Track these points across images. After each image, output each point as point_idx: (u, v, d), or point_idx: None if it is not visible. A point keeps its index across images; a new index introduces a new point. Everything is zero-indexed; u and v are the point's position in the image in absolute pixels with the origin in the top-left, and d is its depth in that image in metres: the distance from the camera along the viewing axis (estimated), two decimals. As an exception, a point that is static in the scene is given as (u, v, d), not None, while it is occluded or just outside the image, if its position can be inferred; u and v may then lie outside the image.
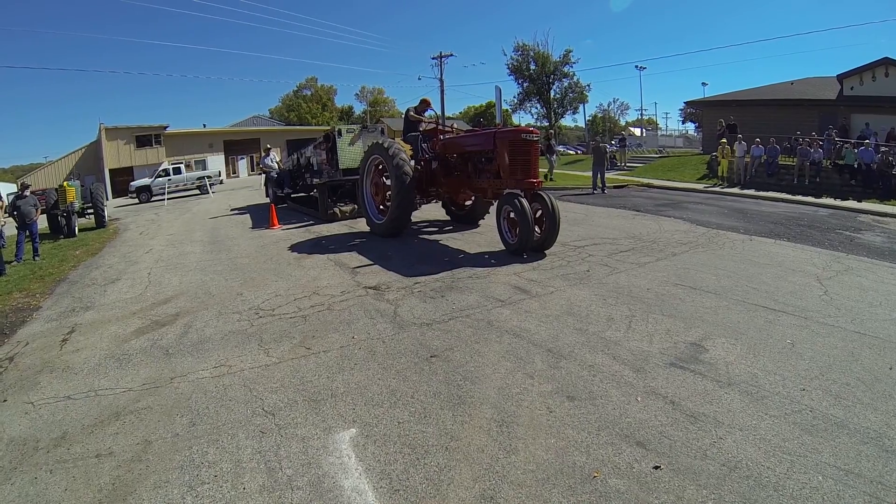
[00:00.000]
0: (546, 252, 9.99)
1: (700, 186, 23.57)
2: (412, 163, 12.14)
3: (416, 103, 13.71)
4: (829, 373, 4.83)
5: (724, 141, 25.98)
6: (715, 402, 4.31)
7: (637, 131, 78.73)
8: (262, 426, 4.27)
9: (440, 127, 13.31)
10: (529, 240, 9.68)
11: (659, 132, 76.37)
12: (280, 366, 5.47)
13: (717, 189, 22.64)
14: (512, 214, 9.88)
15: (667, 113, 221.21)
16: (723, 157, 25.17)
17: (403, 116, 13.90)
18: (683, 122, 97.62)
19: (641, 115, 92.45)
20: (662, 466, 3.50)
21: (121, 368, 5.73)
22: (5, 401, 5.15)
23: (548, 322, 6.29)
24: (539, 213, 10.06)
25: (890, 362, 5.04)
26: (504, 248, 10.26)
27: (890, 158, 20.70)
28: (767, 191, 21.25)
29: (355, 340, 6.04)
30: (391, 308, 7.13)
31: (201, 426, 4.35)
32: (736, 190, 21.89)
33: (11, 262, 13.27)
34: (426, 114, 13.49)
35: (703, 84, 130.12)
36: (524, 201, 9.61)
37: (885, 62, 27.54)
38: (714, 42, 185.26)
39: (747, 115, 30.98)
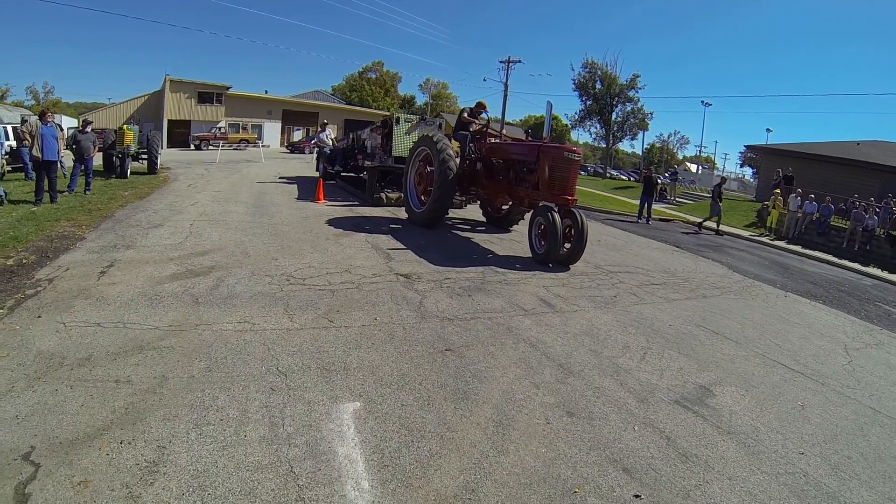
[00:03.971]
0: (570, 267, 10.15)
1: (746, 233, 23.29)
2: (457, 160, 12.36)
3: (473, 105, 13.98)
4: (832, 442, 4.77)
5: (778, 191, 25.51)
6: (710, 447, 4.31)
7: (693, 167, 77.73)
8: (274, 384, 4.46)
9: (489, 130, 13.51)
10: (556, 252, 9.95)
11: (715, 171, 75.27)
12: (301, 332, 5.65)
13: (763, 239, 22.30)
14: (543, 226, 10.12)
15: (726, 154, 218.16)
16: (773, 208, 24.75)
17: (457, 115, 14.06)
18: (742, 166, 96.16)
19: (700, 151, 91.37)
20: (643, 497, 3.54)
21: (151, 307, 5.98)
22: (40, 317, 5.45)
23: (565, 338, 6.36)
24: (570, 229, 10.29)
25: None
26: (531, 255, 10.49)
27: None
28: (814, 249, 20.85)
29: (377, 322, 6.20)
30: (418, 298, 7.28)
31: (216, 373, 4.56)
32: (782, 243, 21.57)
33: (63, 191, 13.82)
34: (480, 116, 13.70)
35: (768, 130, 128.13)
36: (557, 216, 9.88)
37: (960, 134, 26.73)
38: (785, 89, 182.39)
39: (806, 168, 30.18)
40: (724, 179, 24.89)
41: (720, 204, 21.91)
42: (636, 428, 4.45)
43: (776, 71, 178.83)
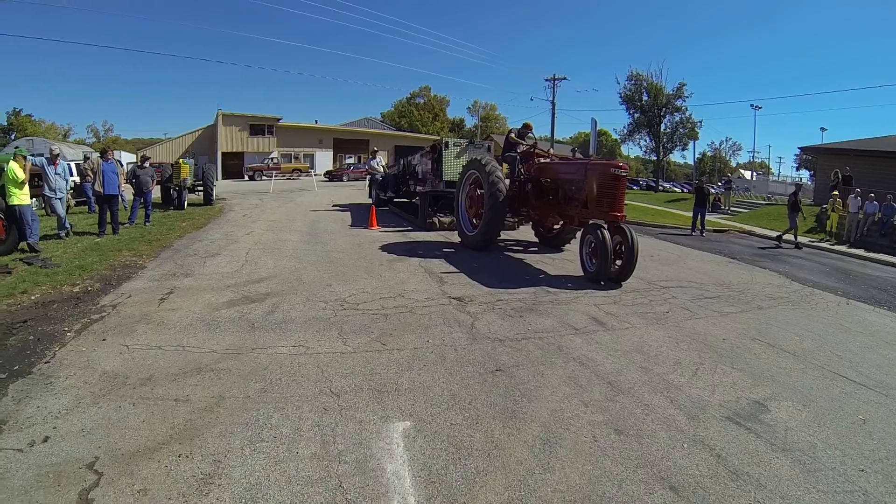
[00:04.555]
0: (622, 284, 10.09)
1: (805, 240, 22.48)
2: (507, 182, 12.48)
3: (520, 126, 14.13)
4: (895, 458, 4.50)
5: (836, 193, 24.60)
6: (763, 465, 4.20)
7: (747, 174, 76.07)
8: (326, 404, 4.62)
9: (537, 150, 13.59)
10: (606, 270, 9.94)
11: (770, 177, 73.52)
12: (354, 355, 5.81)
13: (822, 244, 21.46)
14: (593, 244, 10.12)
15: (780, 157, 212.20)
16: (833, 211, 23.88)
17: (505, 137, 14.19)
18: (798, 169, 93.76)
19: (753, 157, 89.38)
20: None
21: (209, 332, 6.29)
22: (104, 340, 5.85)
23: (615, 356, 6.35)
24: (620, 246, 10.26)
25: None
26: (583, 274, 10.48)
27: None
28: (878, 252, 19.93)
29: (429, 344, 6.32)
30: (470, 320, 7.37)
31: (271, 394, 4.76)
32: (843, 248, 20.71)
33: (124, 223, 14.55)
34: (527, 137, 13.81)
35: (822, 129, 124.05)
36: (606, 233, 9.88)
37: None
38: (837, 84, 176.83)
39: (866, 166, 28.82)
40: (799, 186, 23.20)
41: (798, 213, 20.81)
42: (685, 445, 4.38)
43: (828, 67, 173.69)
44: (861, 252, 20.02)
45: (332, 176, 49.88)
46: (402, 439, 4.14)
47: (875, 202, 22.43)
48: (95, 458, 3.63)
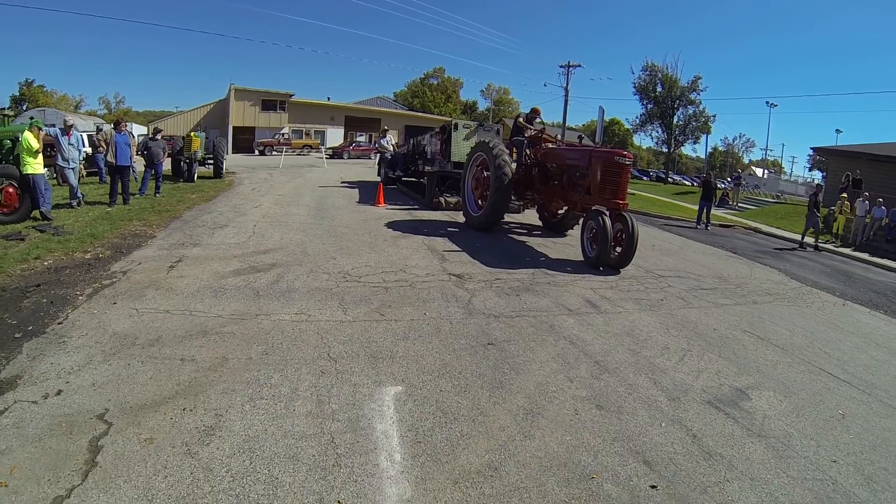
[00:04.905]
0: (621, 271, 10.24)
1: (810, 240, 22.60)
2: (513, 165, 12.62)
3: (528, 111, 14.32)
4: (869, 453, 4.63)
5: (845, 196, 24.65)
6: (736, 447, 4.34)
7: (759, 171, 75.61)
8: (324, 367, 4.87)
9: (545, 136, 13.73)
10: (606, 256, 10.09)
11: (782, 176, 73.03)
12: (353, 324, 6.06)
13: (827, 246, 21.46)
14: (594, 230, 10.25)
15: (794, 157, 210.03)
16: (840, 213, 23.90)
17: (513, 121, 14.30)
18: (810, 170, 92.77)
19: (766, 154, 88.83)
20: (659, 488, 3.67)
21: (215, 298, 6.53)
22: (115, 303, 6.09)
23: (605, 338, 6.53)
24: (620, 233, 10.41)
25: None
26: (583, 259, 10.64)
27: None
28: (882, 257, 19.88)
29: (426, 317, 6.56)
30: (467, 296, 7.58)
31: (273, 356, 5.01)
32: (847, 250, 20.74)
33: (135, 194, 14.78)
34: (535, 122, 13.95)
35: (837, 131, 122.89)
36: (608, 220, 10.00)
37: None
38: (856, 86, 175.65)
39: (879, 170, 28.81)
40: (820, 187, 22.63)
41: (818, 215, 20.25)
42: (663, 424, 4.56)
43: (846, 70, 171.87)
44: (865, 256, 19.99)
45: (333, 152, 49.72)
46: (394, 402, 4.37)
47: (883, 207, 22.38)
48: (105, 410, 3.86)
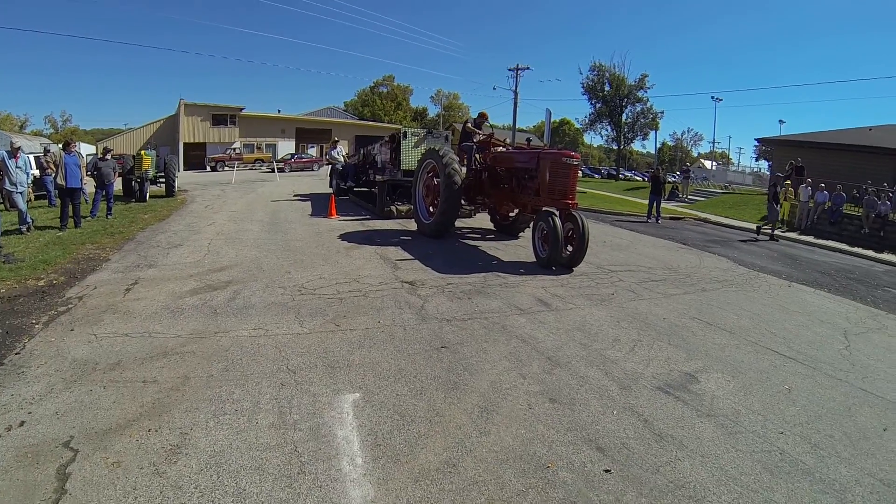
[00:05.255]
0: (574, 269, 10.39)
1: (768, 230, 23.31)
2: (463, 171, 12.78)
3: (476, 116, 14.53)
4: (815, 423, 4.89)
5: (789, 183, 25.47)
6: (686, 428, 4.53)
7: (708, 164, 77.35)
8: (283, 380, 4.97)
9: (493, 140, 13.89)
10: (558, 256, 10.23)
11: (730, 167, 74.81)
12: (310, 336, 6.15)
13: (774, 232, 22.32)
14: (545, 231, 10.40)
15: (740, 148, 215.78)
16: (785, 200, 24.71)
17: (461, 127, 14.51)
18: (757, 160, 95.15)
19: (713, 147, 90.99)
20: (612, 471, 3.82)
21: (174, 318, 6.55)
22: (72, 330, 6.07)
23: (557, 334, 6.71)
24: (571, 232, 10.58)
25: (886, 423, 5.06)
26: (535, 260, 10.77)
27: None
28: (827, 239, 20.68)
29: (380, 325, 6.66)
30: (420, 302, 7.71)
31: (233, 372, 5.09)
32: (794, 234, 21.47)
33: (86, 216, 14.50)
34: (483, 127, 14.14)
35: (781, 122, 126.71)
36: (557, 220, 10.16)
37: (971, 114, 26.51)
38: (795, 79, 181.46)
39: (819, 157, 29.88)
40: (779, 178, 22.81)
41: (777, 207, 20.50)
42: (615, 412, 4.73)
43: (788, 61, 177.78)
44: (810, 239, 20.75)
45: (272, 167, 48.50)
46: (352, 409, 4.49)
47: (825, 192, 23.24)
48: (70, 437, 3.88)
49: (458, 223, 14.57)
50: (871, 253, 18.96)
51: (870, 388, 5.92)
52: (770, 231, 20.21)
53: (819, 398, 5.50)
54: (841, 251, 19.01)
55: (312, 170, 47.28)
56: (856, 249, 19.43)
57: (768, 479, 3.91)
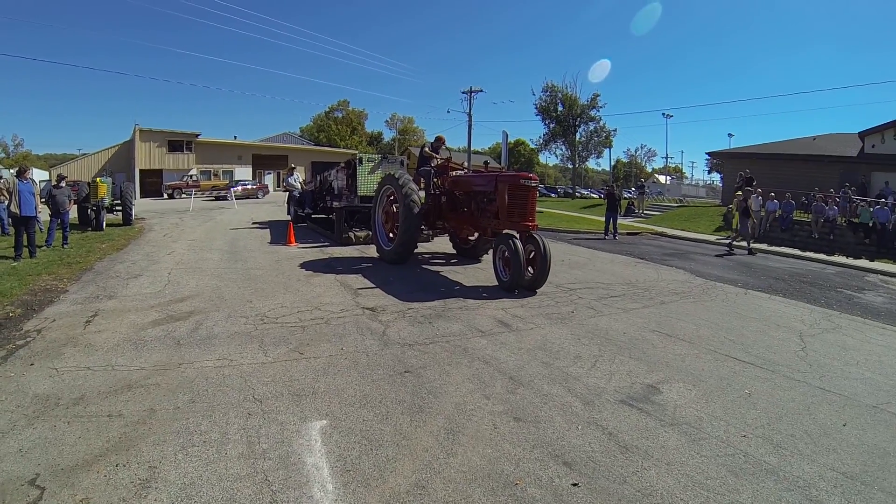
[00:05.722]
0: (537, 291, 10.43)
1: (713, 238, 23.69)
2: (421, 195, 12.83)
3: (433, 140, 14.53)
4: (777, 423, 5.07)
5: (740, 193, 26.19)
6: (651, 438, 4.63)
7: (662, 178, 78.86)
8: (250, 409, 4.96)
9: (451, 164, 13.95)
10: (520, 278, 10.21)
11: (684, 181, 76.46)
12: (274, 364, 6.14)
13: (729, 242, 22.80)
14: (506, 254, 10.42)
15: (693, 162, 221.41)
16: (737, 210, 25.38)
17: (419, 151, 14.60)
18: (710, 172, 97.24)
19: (667, 162, 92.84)
20: (580, 484, 3.88)
21: (136, 351, 6.47)
22: (32, 364, 5.95)
23: (518, 354, 6.79)
24: (532, 254, 10.61)
25: (845, 419, 5.27)
26: (498, 283, 10.74)
27: (906, 218, 20.45)
28: (780, 246, 21.36)
29: (343, 351, 6.68)
30: (381, 328, 7.73)
31: (199, 404, 5.06)
32: (744, 243, 22.08)
33: (42, 246, 14.17)
34: (441, 151, 14.16)
35: (730, 135, 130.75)
36: (518, 242, 10.18)
37: (908, 120, 27.44)
38: (742, 94, 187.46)
39: (768, 168, 31.21)
40: (748, 192, 22.10)
41: (749, 220, 20.26)
42: (580, 427, 4.82)
43: (737, 76, 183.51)
44: (764, 246, 21.30)
45: (217, 195, 46.53)
46: (320, 436, 4.51)
47: (775, 200, 24.00)
48: (36, 475, 3.81)
49: (420, 248, 14.60)
50: (822, 256, 19.70)
51: (827, 387, 6.17)
52: (746, 246, 20.15)
53: (779, 400, 5.71)
54: (794, 256, 19.65)
55: (257, 197, 46.12)
56: (808, 254, 20.15)
57: (734, 482, 4.03)
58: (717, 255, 18.59)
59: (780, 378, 6.37)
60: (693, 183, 75.98)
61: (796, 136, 42.16)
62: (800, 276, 14.75)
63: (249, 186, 48.51)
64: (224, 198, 42.87)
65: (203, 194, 46.64)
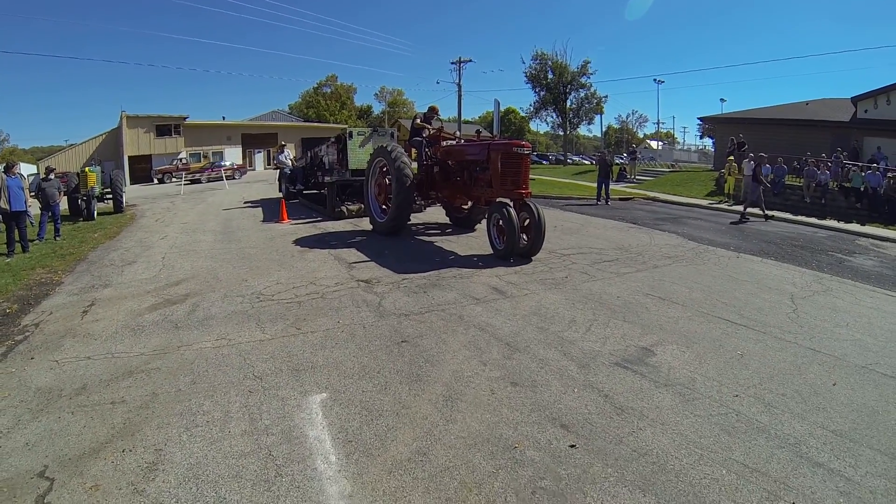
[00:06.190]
0: (532, 258, 10.48)
1: (705, 202, 23.72)
2: (413, 166, 12.82)
3: (426, 110, 14.51)
4: (768, 383, 5.17)
5: (732, 158, 26.22)
6: (646, 399, 4.74)
7: (654, 144, 78.80)
8: (251, 387, 5.04)
9: (443, 134, 13.91)
10: (515, 246, 10.28)
11: (676, 146, 76.42)
12: (272, 341, 6.21)
13: (721, 206, 22.72)
14: (500, 222, 10.47)
15: (685, 127, 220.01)
16: (729, 175, 25.41)
17: (411, 122, 14.53)
18: (702, 137, 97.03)
19: (658, 128, 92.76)
20: (578, 446, 3.99)
21: (135, 337, 6.51)
22: (33, 358, 5.96)
23: (514, 320, 6.88)
24: (527, 221, 10.64)
25: (835, 379, 5.34)
26: (493, 252, 10.81)
27: (897, 183, 20.60)
28: (772, 210, 21.46)
29: (340, 325, 6.75)
30: (377, 299, 7.80)
31: (200, 384, 5.13)
32: (740, 208, 22.04)
33: (34, 240, 14.06)
34: (433, 121, 14.12)
35: (722, 100, 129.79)
36: (512, 211, 10.24)
37: (901, 85, 27.29)
38: (734, 59, 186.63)
39: (760, 133, 31.02)
40: (762, 158, 20.95)
41: (760, 186, 19.54)
42: (576, 390, 4.92)
43: (729, 40, 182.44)
44: (756, 211, 21.28)
45: (190, 178, 44.41)
46: (321, 409, 4.59)
47: (767, 165, 23.92)
48: (45, 467, 3.86)
49: (413, 219, 14.63)
50: (814, 220, 19.60)
51: (817, 347, 6.25)
52: (762, 212, 19.67)
53: (770, 360, 5.81)
54: (786, 220, 19.58)
55: (234, 178, 43.41)
56: (799, 218, 20.06)
57: (727, 440, 4.13)
58: (731, 223, 18.10)
59: (772, 339, 6.46)
60: (685, 148, 75.94)
61: (789, 101, 42.06)
62: (791, 239, 14.80)
63: (227, 165, 46.67)
64: (198, 181, 42.10)
65: (194, 176, 45.74)
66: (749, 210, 19.69)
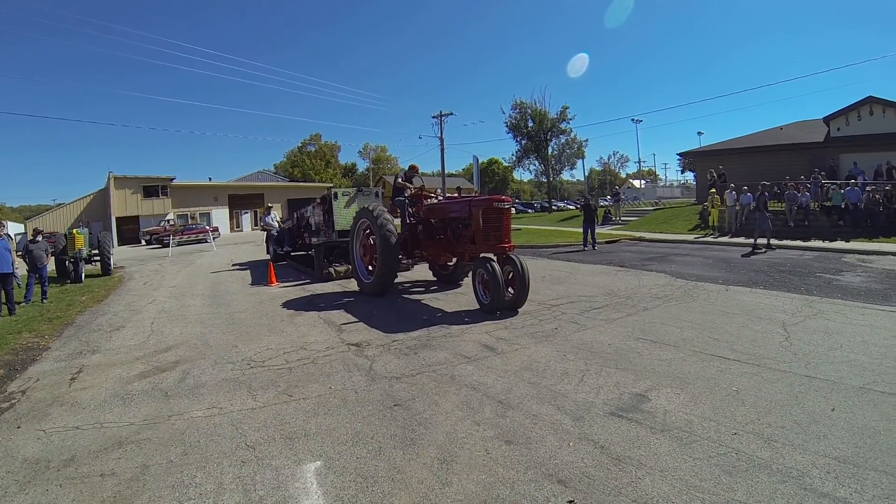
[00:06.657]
0: (518, 310, 10.49)
1: (691, 237, 24.05)
2: (397, 226, 12.90)
3: (406, 169, 14.65)
4: (766, 417, 5.15)
5: (714, 191, 26.66)
6: (643, 447, 4.69)
7: (637, 183, 79.75)
8: (244, 457, 4.96)
9: (424, 192, 14.04)
10: (501, 300, 10.29)
11: (658, 183, 77.36)
12: (264, 409, 6.14)
13: (707, 239, 23.02)
14: (485, 277, 10.50)
15: (665, 163, 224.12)
16: (713, 207, 25.78)
17: (393, 182, 14.66)
18: (683, 172, 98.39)
19: (639, 166, 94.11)
20: (576, 501, 3.89)
21: (124, 406, 6.44)
22: (19, 427, 5.90)
23: (505, 377, 6.82)
24: (511, 274, 10.69)
25: (833, 404, 5.36)
26: (479, 307, 10.82)
27: (876, 196, 21.26)
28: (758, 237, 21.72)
29: (332, 390, 6.68)
30: (368, 363, 7.74)
31: (192, 455, 5.05)
32: (725, 239, 22.22)
33: (20, 302, 13.98)
34: (414, 179, 14.27)
35: (699, 133, 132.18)
36: (496, 265, 10.31)
37: (870, 101, 28.64)
38: (707, 93, 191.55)
39: (738, 163, 31.95)
40: (765, 186, 22.05)
41: (767, 215, 19.96)
42: (571, 444, 4.86)
43: (701, 75, 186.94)
44: (742, 240, 21.58)
45: (157, 239, 43.92)
46: (315, 477, 4.52)
47: (749, 193, 24.35)
48: None
49: (400, 277, 14.65)
50: (799, 242, 19.96)
51: (813, 373, 6.29)
52: (766, 241, 19.82)
53: (766, 393, 5.80)
54: (771, 247, 19.73)
55: (205, 241, 41.75)
56: (784, 242, 20.34)
57: (728, 480, 4.08)
58: (743, 256, 18.19)
59: (767, 371, 6.47)
60: (667, 184, 77.02)
61: (766, 127, 42.96)
62: (778, 265, 15.01)
63: (196, 229, 45.69)
64: (205, 240, 41.31)
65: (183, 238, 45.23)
66: (758, 241, 19.91)
